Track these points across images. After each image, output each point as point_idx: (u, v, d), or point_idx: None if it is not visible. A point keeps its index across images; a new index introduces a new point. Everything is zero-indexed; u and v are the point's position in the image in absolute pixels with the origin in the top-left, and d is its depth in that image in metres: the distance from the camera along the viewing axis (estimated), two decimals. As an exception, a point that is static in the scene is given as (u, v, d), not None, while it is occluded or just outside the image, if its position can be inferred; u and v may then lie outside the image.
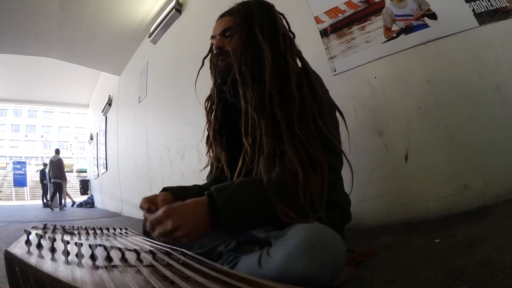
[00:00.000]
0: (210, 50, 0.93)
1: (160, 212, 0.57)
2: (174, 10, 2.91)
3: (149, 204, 0.71)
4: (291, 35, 0.85)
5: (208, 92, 0.95)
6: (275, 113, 0.70)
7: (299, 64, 0.81)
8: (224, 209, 0.59)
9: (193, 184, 0.92)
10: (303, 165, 0.64)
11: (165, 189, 0.83)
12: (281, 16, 0.85)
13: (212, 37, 0.88)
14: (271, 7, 0.85)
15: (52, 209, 6.12)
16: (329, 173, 0.68)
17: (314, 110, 0.71)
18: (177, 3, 2.90)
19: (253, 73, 0.76)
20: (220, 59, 0.85)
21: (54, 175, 6.65)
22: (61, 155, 7.04)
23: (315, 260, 0.48)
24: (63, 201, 6.68)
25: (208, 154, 0.95)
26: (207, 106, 0.94)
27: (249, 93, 0.75)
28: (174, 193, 0.79)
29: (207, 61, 0.95)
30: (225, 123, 0.90)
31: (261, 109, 0.72)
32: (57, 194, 6.58)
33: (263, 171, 0.65)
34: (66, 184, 7.17)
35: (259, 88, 0.74)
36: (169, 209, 0.57)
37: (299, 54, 0.83)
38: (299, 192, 0.62)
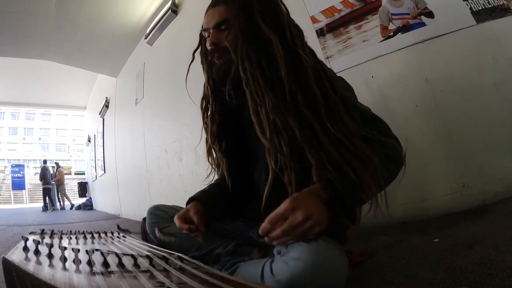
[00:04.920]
0: (200, 43, 0.84)
1: (284, 206, 0.52)
2: (170, 11, 2.89)
3: (187, 223, 0.71)
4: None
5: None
6: (302, 113, 0.62)
7: None
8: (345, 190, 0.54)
9: (201, 186, 0.88)
10: (353, 166, 0.57)
11: (191, 199, 0.79)
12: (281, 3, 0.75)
13: (204, 30, 0.79)
14: None
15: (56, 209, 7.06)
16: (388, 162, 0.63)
17: (339, 106, 0.64)
18: (173, 4, 2.89)
19: (262, 69, 0.67)
20: (216, 56, 0.76)
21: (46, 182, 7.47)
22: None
23: (321, 285, 0.50)
24: (57, 202, 7.45)
25: (208, 159, 0.88)
26: (202, 106, 0.85)
27: (261, 92, 0.66)
28: (204, 200, 0.77)
29: (198, 56, 0.86)
30: (223, 126, 0.82)
31: (285, 110, 0.63)
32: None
33: (321, 186, 0.55)
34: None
35: (274, 86, 0.65)
36: (294, 201, 0.52)
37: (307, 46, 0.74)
38: (361, 195, 0.57)
